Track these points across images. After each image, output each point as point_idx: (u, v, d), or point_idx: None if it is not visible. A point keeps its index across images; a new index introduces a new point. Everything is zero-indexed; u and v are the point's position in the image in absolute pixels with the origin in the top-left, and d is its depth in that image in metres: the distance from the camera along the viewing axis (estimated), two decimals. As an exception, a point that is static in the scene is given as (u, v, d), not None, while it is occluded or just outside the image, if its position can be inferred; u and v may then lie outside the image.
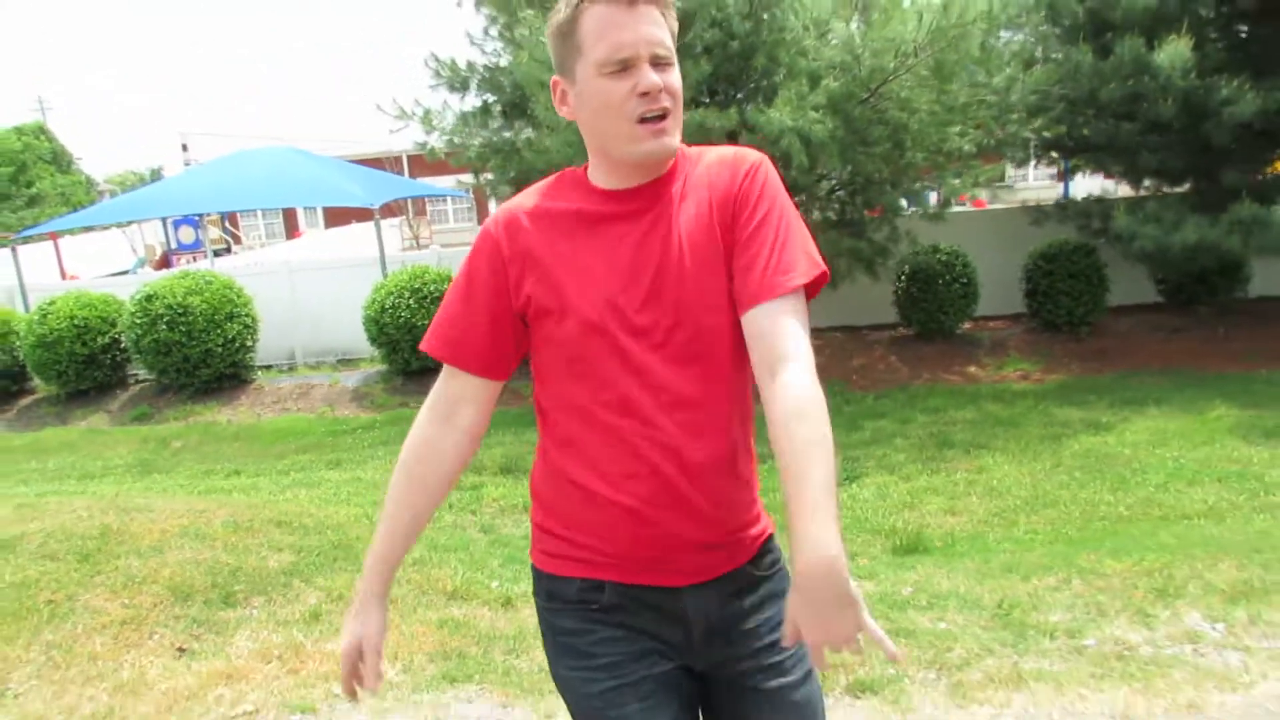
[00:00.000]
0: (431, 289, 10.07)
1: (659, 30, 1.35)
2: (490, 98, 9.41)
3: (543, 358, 1.44)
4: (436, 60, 9.26)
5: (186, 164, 26.03)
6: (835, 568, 1.15)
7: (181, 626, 3.80)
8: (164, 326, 10.11)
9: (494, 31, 9.33)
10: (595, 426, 1.39)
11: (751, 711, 1.45)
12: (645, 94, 1.33)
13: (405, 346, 10.04)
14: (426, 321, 9.52)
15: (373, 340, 10.37)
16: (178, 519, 4.71)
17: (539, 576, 1.49)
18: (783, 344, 1.31)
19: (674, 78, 1.38)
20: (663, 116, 1.36)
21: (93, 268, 18.64)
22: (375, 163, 16.50)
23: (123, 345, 10.80)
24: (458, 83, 9.41)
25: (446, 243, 18.05)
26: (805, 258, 1.37)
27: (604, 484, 1.38)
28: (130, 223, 21.02)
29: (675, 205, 1.40)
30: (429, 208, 24.61)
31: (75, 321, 10.49)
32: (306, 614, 3.95)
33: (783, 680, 1.43)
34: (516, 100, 8.90)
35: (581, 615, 1.42)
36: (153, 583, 4.06)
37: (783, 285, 1.33)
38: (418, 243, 17.74)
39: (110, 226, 20.72)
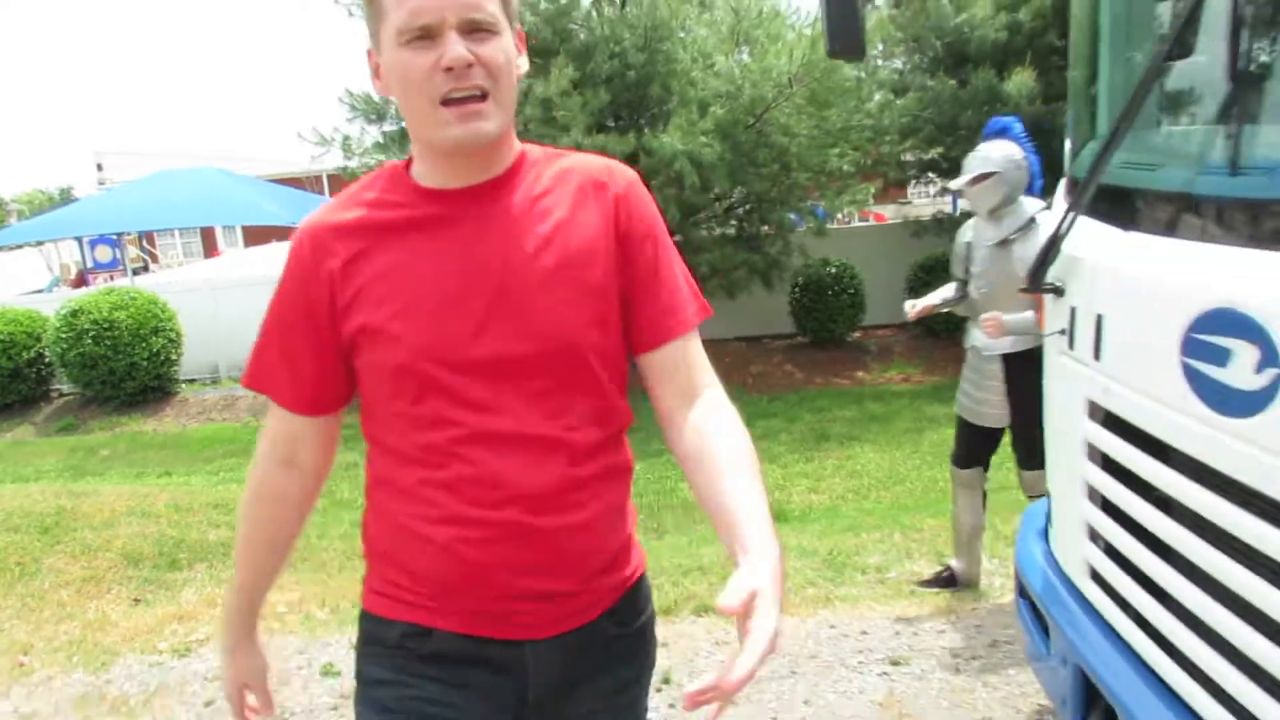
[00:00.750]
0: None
1: None
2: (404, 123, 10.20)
3: (366, 386, 1.28)
4: (351, 95, 10.04)
5: (101, 183, 26.05)
6: (781, 566, 1.09)
7: (134, 585, 4.50)
8: (90, 341, 10.58)
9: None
10: (425, 463, 1.22)
11: None
12: (449, 69, 1.12)
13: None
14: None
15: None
16: (124, 501, 5.38)
17: (362, 617, 1.34)
18: (700, 375, 1.29)
19: (493, 49, 1.15)
20: (477, 97, 1.14)
21: (6, 287, 18.74)
22: (296, 182, 17.09)
23: (47, 360, 11.21)
24: (373, 113, 10.18)
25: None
26: (697, 293, 1.35)
27: (436, 525, 1.22)
28: (44, 242, 21.10)
29: (522, 210, 1.22)
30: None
31: (1, 337, 10.90)
32: (226, 569, 4.68)
33: None
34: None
35: (398, 665, 1.26)
36: (107, 551, 4.75)
37: (690, 321, 1.30)
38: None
39: (23, 245, 20.77)
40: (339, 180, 13.83)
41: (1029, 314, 3.56)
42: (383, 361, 1.21)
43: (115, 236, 18.70)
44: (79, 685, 3.38)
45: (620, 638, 1.32)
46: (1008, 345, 3.79)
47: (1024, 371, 3.66)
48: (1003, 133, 3.77)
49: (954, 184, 3.92)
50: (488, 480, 1.19)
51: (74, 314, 10.70)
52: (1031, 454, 3.83)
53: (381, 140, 10.41)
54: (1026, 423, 3.66)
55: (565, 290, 1.20)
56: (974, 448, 4.09)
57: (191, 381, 12.07)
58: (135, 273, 19.27)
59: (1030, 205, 3.74)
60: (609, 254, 1.24)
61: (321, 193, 16.25)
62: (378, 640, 1.29)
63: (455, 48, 1.10)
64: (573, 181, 1.26)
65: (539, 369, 1.20)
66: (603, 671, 1.31)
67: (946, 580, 4.28)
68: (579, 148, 8.39)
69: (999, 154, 3.70)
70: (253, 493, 1.37)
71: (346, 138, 10.87)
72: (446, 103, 1.13)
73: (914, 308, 4.04)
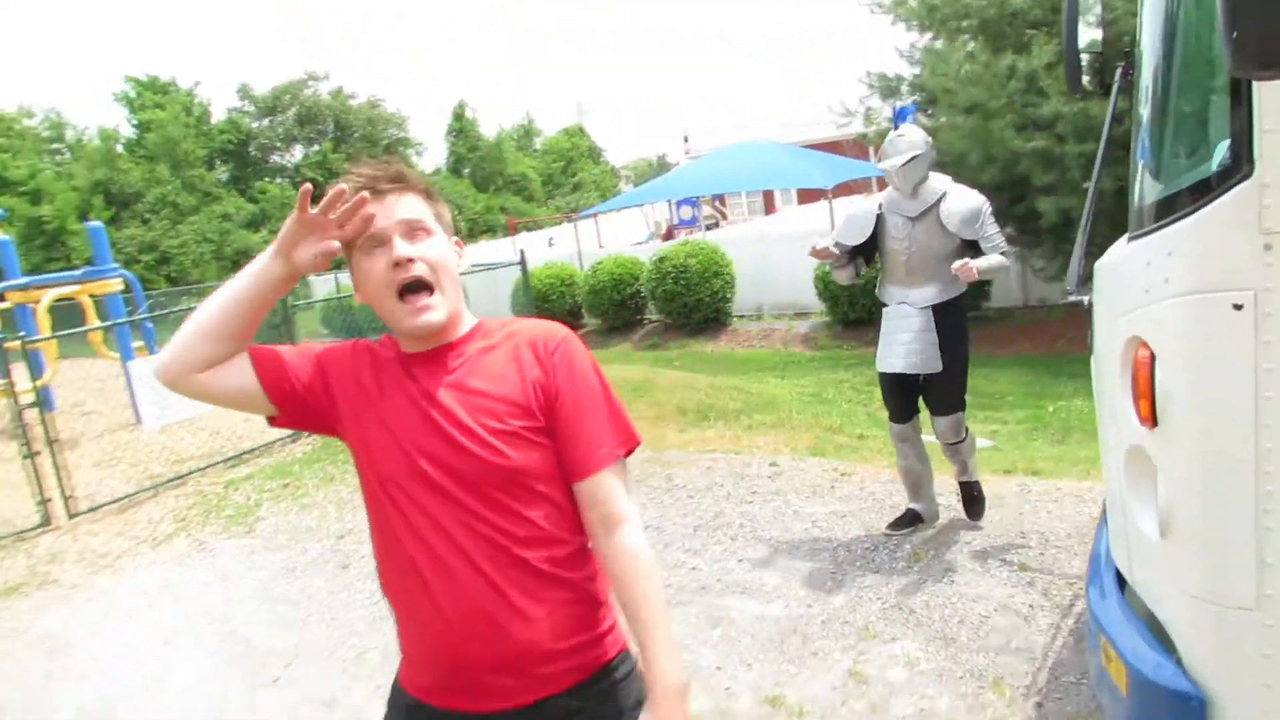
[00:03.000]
0: (866, 253, 13.05)
1: (413, 209, 1.50)
2: (913, 99, 12.11)
3: (360, 479, 1.57)
4: (870, 74, 12.22)
5: (686, 153, 31.77)
6: (684, 694, 1.45)
7: (680, 424, 7.38)
8: (670, 281, 14.40)
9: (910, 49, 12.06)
10: (392, 556, 1.53)
11: None
12: (397, 264, 1.45)
13: (844, 301, 13.11)
14: (865, 280, 12.65)
15: (820, 296, 13.59)
16: (682, 381, 8.42)
17: (395, 679, 1.65)
18: (616, 508, 1.50)
19: (431, 247, 1.50)
20: (423, 287, 1.48)
21: (618, 239, 24.59)
22: (834, 146, 19.75)
23: (642, 294, 15.39)
24: (887, 90, 12.24)
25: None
26: (622, 429, 1.55)
27: (408, 609, 1.54)
28: (643, 204, 26.87)
29: (467, 370, 1.52)
30: (892, 183, 27.40)
31: (614, 276, 15.30)
32: (738, 425, 7.29)
33: None
34: (928, 100, 11.52)
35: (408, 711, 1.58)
36: (668, 404, 7.74)
37: (609, 456, 1.50)
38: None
39: (629, 207, 26.70)
40: (859, 146, 16.16)
41: (995, 258, 4.19)
42: (363, 468, 1.57)
43: (694, 199, 23.34)
44: (641, 457, 6.20)
45: (578, 711, 1.54)
46: (933, 297, 4.29)
47: (950, 318, 4.29)
48: (903, 117, 4.56)
49: (887, 165, 4.34)
50: (437, 585, 1.49)
51: (661, 260, 14.63)
52: (948, 401, 4.36)
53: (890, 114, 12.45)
54: (954, 366, 4.28)
55: (493, 430, 1.48)
56: (908, 400, 4.50)
57: (741, 317, 15.44)
58: (708, 228, 23.83)
59: (937, 180, 4.33)
60: (540, 406, 1.51)
61: (863, 157, 18.72)
62: (396, 703, 1.65)
63: (400, 247, 1.47)
64: (517, 345, 1.56)
65: (478, 490, 1.48)
66: None
67: (912, 519, 4.63)
68: (1059, 116, 9.65)
69: (919, 137, 4.29)
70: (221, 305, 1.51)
71: (869, 109, 13.16)
72: (401, 295, 1.48)
73: (819, 247, 4.48)
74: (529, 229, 31.94)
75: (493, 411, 1.49)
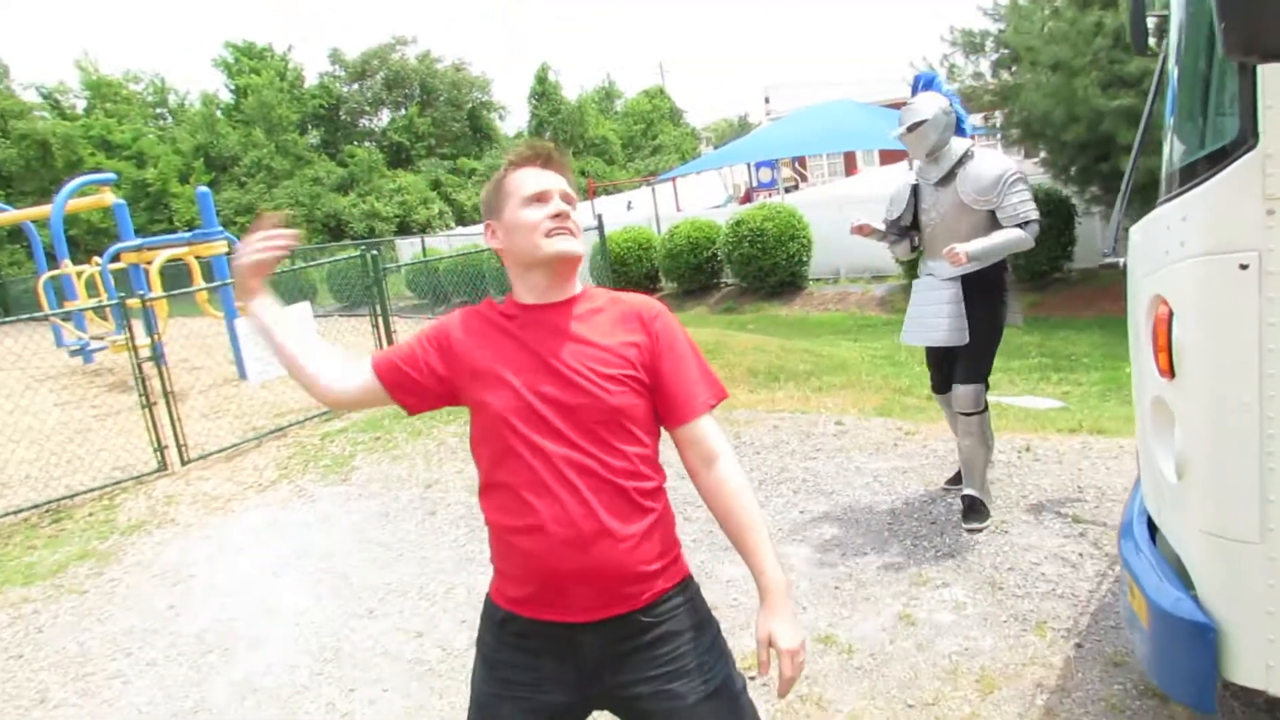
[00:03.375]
0: (945, 215, 12.97)
1: (565, 182, 1.88)
2: (996, 56, 11.94)
3: (474, 421, 1.83)
4: (953, 30, 12.07)
5: (768, 114, 31.52)
6: (790, 591, 1.77)
7: (751, 385, 7.59)
8: (747, 244, 14.52)
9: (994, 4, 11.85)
10: (502, 485, 1.77)
11: None
12: (557, 215, 1.82)
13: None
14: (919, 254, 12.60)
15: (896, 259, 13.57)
16: (754, 343, 8.64)
17: (487, 595, 1.90)
18: (713, 445, 1.81)
19: (575, 212, 1.89)
20: (570, 233, 1.84)
21: (697, 201, 24.67)
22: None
23: (718, 258, 15.53)
24: (971, 46, 12.08)
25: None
26: (713, 384, 1.86)
27: (511, 530, 1.76)
28: (723, 167, 26.83)
29: (579, 323, 1.82)
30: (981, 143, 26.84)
31: (690, 240, 15.47)
32: (807, 386, 7.47)
33: (674, 704, 1.75)
34: (1011, 57, 11.35)
35: (498, 636, 1.84)
36: (739, 366, 7.96)
37: (706, 404, 1.83)
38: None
39: (708, 170, 26.70)
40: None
41: (1006, 235, 4.10)
42: (477, 411, 1.83)
43: (774, 161, 23.24)
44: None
45: (654, 624, 1.78)
46: (959, 269, 4.18)
47: (981, 288, 4.22)
48: (929, 85, 4.42)
49: (894, 133, 4.43)
50: (546, 506, 1.74)
51: (737, 223, 14.74)
52: (970, 371, 4.29)
53: (975, 73, 12.29)
54: (981, 338, 4.23)
55: (604, 374, 1.76)
56: (941, 373, 4.53)
57: (817, 280, 15.48)
58: (787, 190, 23.75)
59: (959, 144, 4.29)
60: (644, 365, 1.81)
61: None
62: (489, 616, 1.91)
63: (559, 202, 1.84)
64: (621, 311, 1.86)
65: (581, 426, 1.74)
66: (646, 649, 1.78)
67: (983, 513, 4.36)
68: (1146, 74, 9.44)
69: (929, 105, 4.25)
70: (323, 358, 1.94)
71: (953, 65, 13.00)
72: (552, 232, 1.81)
73: (857, 224, 4.59)
74: (608, 192, 32.19)
75: (601, 359, 1.77)
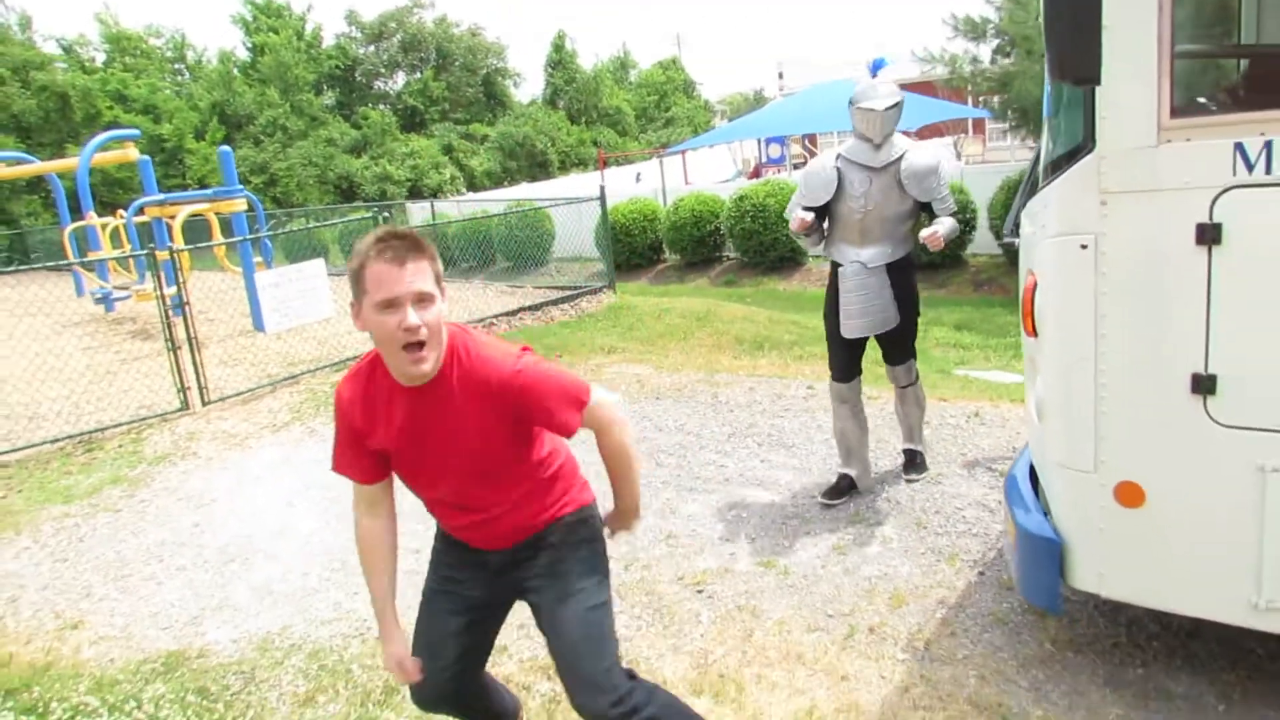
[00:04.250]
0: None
1: (422, 279, 1.98)
2: (996, 43, 12.35)
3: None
4: (955, 18, 12.47)
5: (781, 89, 31.80)
6: (636, 512, 2.45)
7: (735, 353, 8.12)
8: (749, 219, 14.97)
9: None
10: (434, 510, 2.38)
11: (543, 610, 2.33)
12: (408, 329, 1.96)
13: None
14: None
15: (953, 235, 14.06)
16: (742, 313, 9.15)
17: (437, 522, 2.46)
18: (597, 426, 2.22)
19: (432, 313, 2.00)
20: (420, 345, 2.00)
21: (706, 175, 25.09)
22: (926, 86, 19.82)
23: (721, 232, 16.00)
24: (972, 33, 12.48)
25: (985, 160, 20.78)
26: (574, 395, 2.17)
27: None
28: (734, 141, 27.20)
29: (450, 399, 2.11)
30: (988, 127, 27.10)
31: (694, 213, 15.94)
32: (789, 355, 7.99)
33: (548, 597, 2.31)
34: (1010, 44, 11.76)
35: (444, 541, 2.45)
36: (726, 335, 8.49)
37: (576, 419, 2.16)
38: (959, 158, 20.74)
39: (718, 144, 27.09)
40: (930, 88, 16.31)
41: (950, 221, 4.33)
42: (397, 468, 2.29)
43: (784, 137, 23.63)
44: (694, 378, 6.99)
45: (547, 543, 2.35)
46: (887, 256, 4.38)
47: (905, 274, 4.44)
48: (878, 68, 4.57)
49: (878, 105, 4.29)
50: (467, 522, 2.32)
51: (741, 199, 15.19)
52: (903, 349, 4.56)
53: (972, 58, 12.69)
54: (910, 318, 4.45)
55: (485, 435, 2.16)
56: (853, 358, 4.60)
57: (816, 256, 15.90)
58: (795, 167, 24.11)
59: (900, 137, 4.39)
60: (511, 410, 2.15)
61: (959, 100, 18.80)
62: (441, 533, 2.48)
63: (410, 316, 1.97)
64: (477, 373, 2.12)
65: (482, 472, 2.22)
66: (536, 557, 2.35)
67: (847, 487, 4.69)
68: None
69: (896, 90, 4.34)
70: (359, 541, 2.35)
71: (954, 56, 13.40)
72: (406, 348, 2.00)
73: (803, 219, 4.46)
74: (619, 163, 32.56)
75: (474, 431, 2.14)
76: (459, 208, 21.12)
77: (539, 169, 37.37)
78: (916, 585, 3.77)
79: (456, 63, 39.57)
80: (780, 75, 32.94)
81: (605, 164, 27.49)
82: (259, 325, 9.50)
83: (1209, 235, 2.35)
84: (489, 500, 2.26)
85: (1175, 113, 2.37)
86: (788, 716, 3.03)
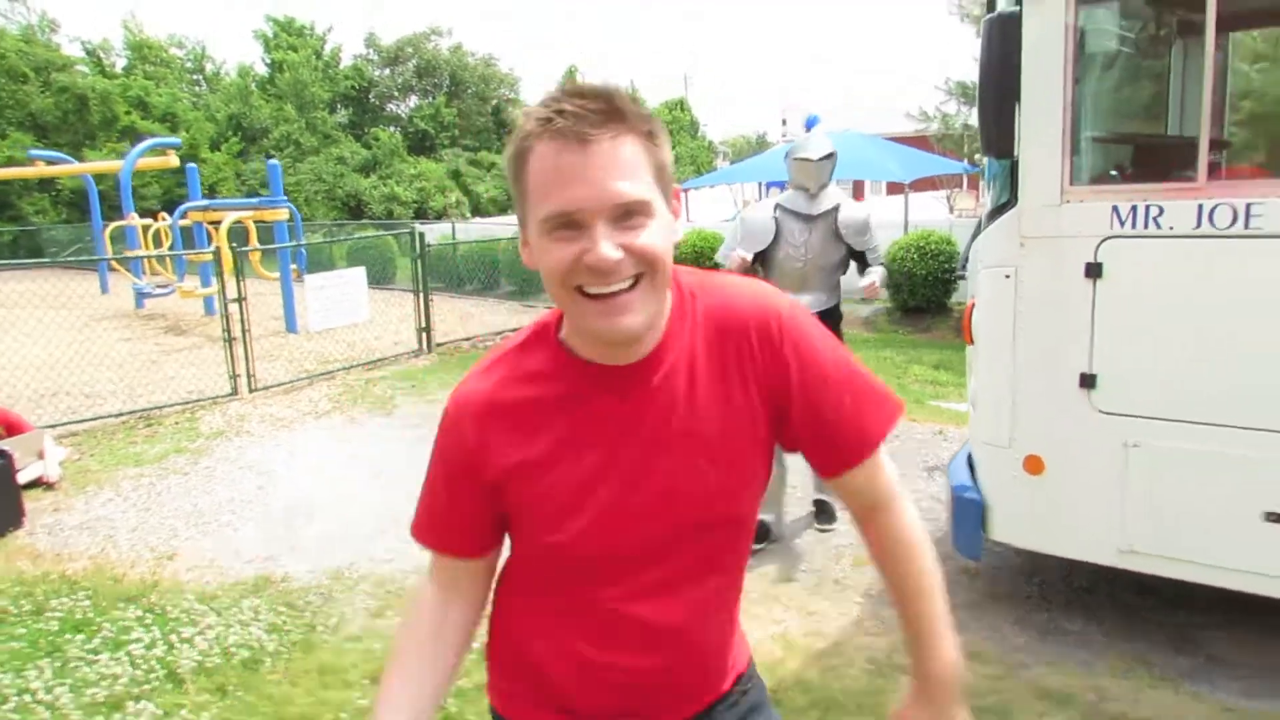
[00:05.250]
0: (934, 248, 14.33)
1: (623, 171, 1.06)
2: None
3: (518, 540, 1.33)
4: (949, 82, 13.57)
5: (783, 135, 33.05)
6: (958, 676, 1.29)
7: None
8: (747, 256, 15.91)
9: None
10: (568, 619, 1.31)
11: None
12: (593, 266, 1.07)
13: (905, 290, 14.46)
14: (926, 271, 13.93)
15: (883, 284, 14.96)
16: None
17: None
18: (882, 490, 1.32)
19: (647, 236, 1.09)
20: (624, 290, 1.09)
21: (707, 213, 26.16)
22: (921, 141, 20.98)
23: (720, 268, 16.92)
24: (966, 97, 13.55)
25: (976, 213, 21.84)
26: (879, 404, 1.30)
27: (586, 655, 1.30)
28: (735, 183, 28.35)
29: (682, 387, 1.20)
30: (981, 183, 28.35)
31: (694, 249, 16.90)
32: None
33: None
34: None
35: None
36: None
37: (870, 445, 1.28)
38: (952, 211, 21.83)
39: (718, 184, 28.22)
40: (925, 143, 17.40)
41: (881, 270, 4.64)
42: (536, 541, 1.27)
43: (783, 182, 24.74)
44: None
45: (730, 708, 1.43)
46: (821, 304, 4.59)
47: (832, 321, 4.65)
48: (811, 125, 4.81)
49: (812, 155, 4.51)
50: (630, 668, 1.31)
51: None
52: None
53: (966, 122, 13.76)
54: None
55: (725, 469, 1.23)
56: None
57: (810, 295, 16.88)
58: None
59: (834, 189, 4.63)
60: (772, 407, 1.25)
61: (954, 156, 19.91)
62: None
63: (602, 247, 1.05)
64: (723, 334, 1.23)
65: (693, 559, 1.29)
66: None
67: (763, 534, 4.71)
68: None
69: (830, 141, 4.56)
70: (406, 625, 1.36)
71: (945, 115, 14.49)
72: (586, 295, 1.09)
73: (743, 257, 4.61)
74: (623, 197, 33.41)
75: (716, 434, 1.24)
76: (464, 232, 22.06)
77: (544, 199, 38.17)
78: (877, 551, 4.63)
79: (469, 90, 40.74)
80: (784, 122, 34.23)
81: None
82: (291, 327, 10.36)
83: (1094, 271, 3.25)
84: (691, 604, 1.33)
85: (1073, 181, 3.29)
86: (765, 639, 3.87)
